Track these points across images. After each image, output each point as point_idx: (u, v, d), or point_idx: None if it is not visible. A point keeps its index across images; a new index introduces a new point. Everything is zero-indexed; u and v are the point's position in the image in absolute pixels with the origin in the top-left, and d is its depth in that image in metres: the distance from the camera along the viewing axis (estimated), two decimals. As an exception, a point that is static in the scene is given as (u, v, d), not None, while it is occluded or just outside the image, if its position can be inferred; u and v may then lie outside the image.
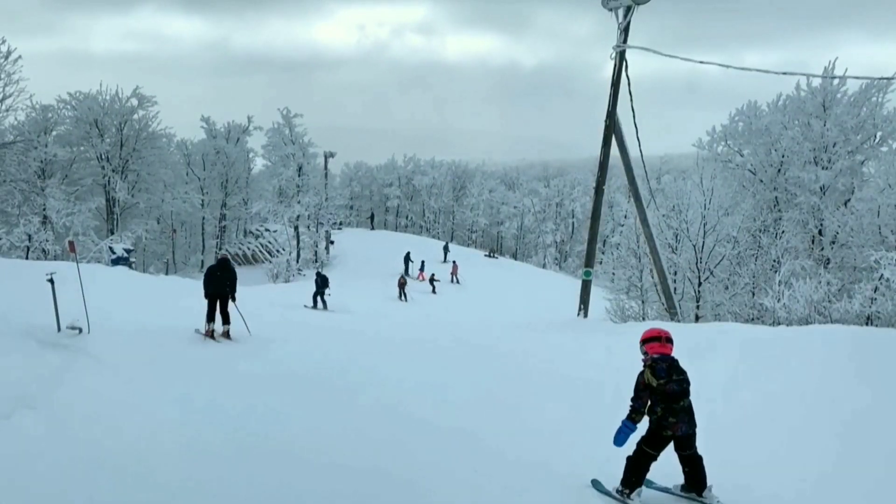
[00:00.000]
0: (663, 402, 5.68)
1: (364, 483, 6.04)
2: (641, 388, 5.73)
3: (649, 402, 5.73)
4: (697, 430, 5.84)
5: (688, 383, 5.81)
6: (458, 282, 41.24)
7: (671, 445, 5.82)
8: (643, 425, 5.85)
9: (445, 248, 51.44)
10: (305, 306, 24.23)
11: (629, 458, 5.85)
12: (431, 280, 38.26)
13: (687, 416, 5.77)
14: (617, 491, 5.89)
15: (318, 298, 24.91)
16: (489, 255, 58.56)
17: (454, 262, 44.49)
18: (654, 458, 5.80)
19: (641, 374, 5.78)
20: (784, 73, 15.20)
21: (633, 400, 5.74)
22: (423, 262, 42.99)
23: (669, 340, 6.00)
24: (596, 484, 6.12)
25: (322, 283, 25.41)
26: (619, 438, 5.77)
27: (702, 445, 5.95)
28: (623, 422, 5.76)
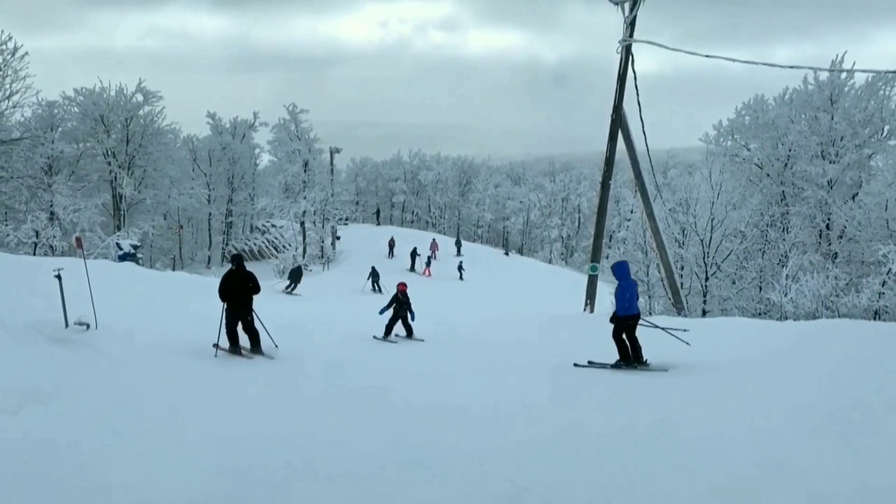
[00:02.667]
0: (398, 304, 13.72)
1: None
2: (393, 299, 13.96)
3: (395, 307, 13.79)
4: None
5: (405, 299, 13.94)
6: (436, 258, 44.21)
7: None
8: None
9: (457, 243, 51.76)
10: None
11: (386, 325, 13.85)
12: (459, 268, 41.25)
13: (406, 309, 13.77)
14: (374, 337, 13.69)
15: (375, 285, 32.15)
16: (507, 254, 58.73)
17: (433, 239, 49.47)
18: (393, 324, 13.79)
19: (394, 295, 14.00)
20: (791, 67, 15.13)
21: (388, 303, 14.08)
22: (429, 257, 42.97)
23: (404, 285, 14.04)
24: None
25: (374, 274, 32.87)
26: (381, 312, 13.89)
27: (699, 440, 5.92)
28: (382, 309, 13.84)
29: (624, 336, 10.64)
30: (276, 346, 11.58)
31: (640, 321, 10.90)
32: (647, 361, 10.51)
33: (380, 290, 31.67)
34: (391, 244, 47.80)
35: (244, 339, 11.20)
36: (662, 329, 11.45)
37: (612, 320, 10.84)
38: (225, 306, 11.08)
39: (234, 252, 13.71)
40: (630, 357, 10.58)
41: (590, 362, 10.84)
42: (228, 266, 12.57)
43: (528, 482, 5.66)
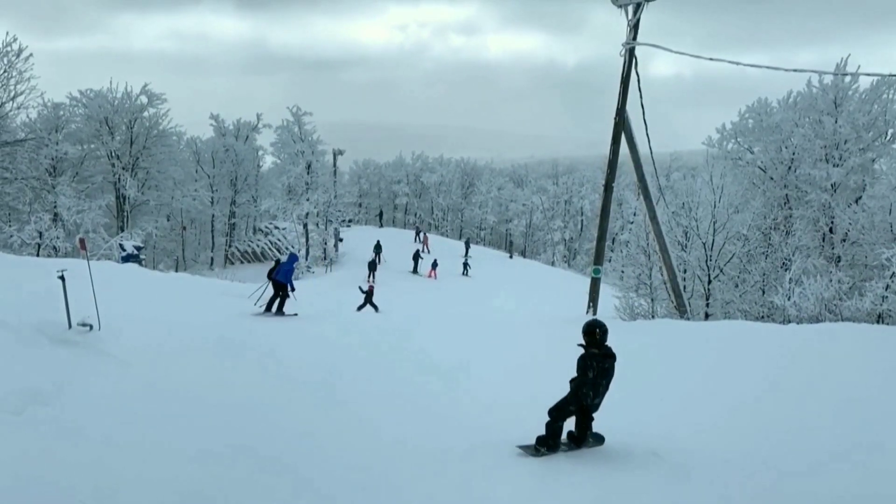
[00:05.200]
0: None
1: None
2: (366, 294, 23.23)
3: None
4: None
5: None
6: (428, 251, 47.01)
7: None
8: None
9: (466, 244, 52.72)
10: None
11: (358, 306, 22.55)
12: (465, 265, 43.23)
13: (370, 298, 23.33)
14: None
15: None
16: (511, 256, 59.46)
17: (424, 233, 53.05)
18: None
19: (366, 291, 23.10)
20: (795, 70, 15.11)
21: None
22: (434, 260, 42.92)
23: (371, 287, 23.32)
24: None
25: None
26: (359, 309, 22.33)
27: (701, 441, 5.93)
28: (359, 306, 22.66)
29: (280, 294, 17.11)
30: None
31: (290, 291, 17.25)
32: (292, 313, 16.97)
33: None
34: (416, 258, 43.96)
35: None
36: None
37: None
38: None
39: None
40: (271, 307, 17.04)
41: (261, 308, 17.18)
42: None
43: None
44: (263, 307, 17.34)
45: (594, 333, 6.87)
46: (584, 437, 7.07)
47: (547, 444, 6.90)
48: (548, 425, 6.91)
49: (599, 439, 7.17)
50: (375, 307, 23.50)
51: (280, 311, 17.10)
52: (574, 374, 6.89)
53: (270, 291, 17.78)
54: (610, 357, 6.90)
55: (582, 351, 6.93)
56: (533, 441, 6.99)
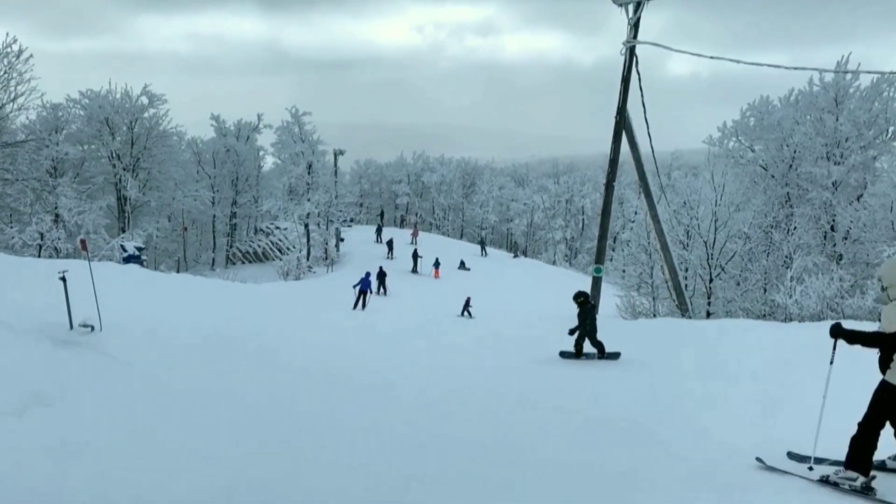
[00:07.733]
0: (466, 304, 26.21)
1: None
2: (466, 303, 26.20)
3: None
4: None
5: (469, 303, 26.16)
6: (416, 244, 48.06)
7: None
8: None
9: (482, 244, 53.65)
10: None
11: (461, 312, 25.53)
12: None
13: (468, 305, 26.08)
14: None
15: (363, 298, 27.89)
16: (515, 256, 59.54)
17: (415, 224, 54.88)
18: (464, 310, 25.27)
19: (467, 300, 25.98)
20: (795, 69, 15.10)
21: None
22: (436, 258, 42.88)
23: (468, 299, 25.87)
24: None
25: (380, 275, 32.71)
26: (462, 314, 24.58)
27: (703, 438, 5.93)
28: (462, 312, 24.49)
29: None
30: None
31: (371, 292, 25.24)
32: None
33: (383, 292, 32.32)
34: (390, 245, 47.93)
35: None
36: None
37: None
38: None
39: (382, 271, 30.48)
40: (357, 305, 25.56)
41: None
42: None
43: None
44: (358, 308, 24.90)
45: (578, 297, 12.91)
46: (601, 350, 12.33)
47: (574, 355, 12.59)
48: (574, 345, 12.58)
49: (615, 355, 12.17)
50: (471, 314, 25.21)
51: (363, 307, 25.40)
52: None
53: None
54: (587, 305, 12.64)
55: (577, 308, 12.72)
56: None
